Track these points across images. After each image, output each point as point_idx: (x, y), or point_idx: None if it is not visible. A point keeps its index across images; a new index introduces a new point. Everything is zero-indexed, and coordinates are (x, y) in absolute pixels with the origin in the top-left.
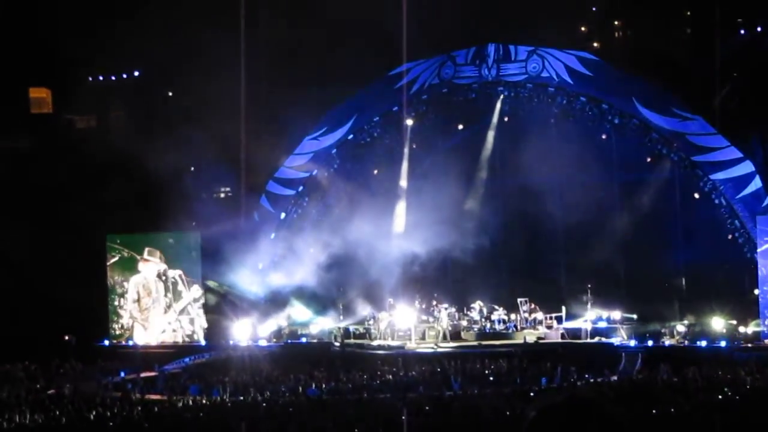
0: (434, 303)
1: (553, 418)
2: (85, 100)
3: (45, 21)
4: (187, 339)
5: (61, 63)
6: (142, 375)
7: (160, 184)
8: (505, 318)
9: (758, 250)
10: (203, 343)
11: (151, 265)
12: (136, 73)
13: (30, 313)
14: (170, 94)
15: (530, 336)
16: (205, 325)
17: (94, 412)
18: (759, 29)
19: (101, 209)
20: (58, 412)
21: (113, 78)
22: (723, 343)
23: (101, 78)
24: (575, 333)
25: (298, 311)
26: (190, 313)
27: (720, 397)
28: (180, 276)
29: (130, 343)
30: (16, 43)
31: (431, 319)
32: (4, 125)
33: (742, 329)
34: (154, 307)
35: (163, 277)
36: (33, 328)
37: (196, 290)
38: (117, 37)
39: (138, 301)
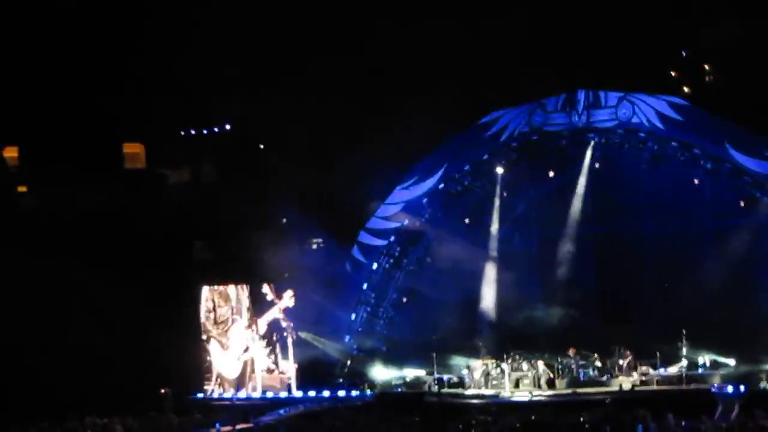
0: (529, 352)
1: None
2: (177, 154)
3: (137, 74)
4: (275, 375)
5: (154, 117)
6: (238, 427)
7: (252, 235)
8: (600, 365)
9: None
10: (295, 388)
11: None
12: (228, 126)
13: (127, 368)
14: (261, 146)
15: (626, 383)
16: (295, 368)
17: None
18: None
19: (195, 262)
20: None
21: (205, 131)
22: None
23: (193, 132)
24: (671, 379)
25: (388, 364)
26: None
27: None
28: (268, 285)
29: (225, 395)
30: (109, 98)
31: (526, 368)
32: (99, 181)
33: None
34: (233, 319)
35: (244, 287)
36: (130, 382)
37: (289, 297)
38: (208, 91)
39: (213, 311)
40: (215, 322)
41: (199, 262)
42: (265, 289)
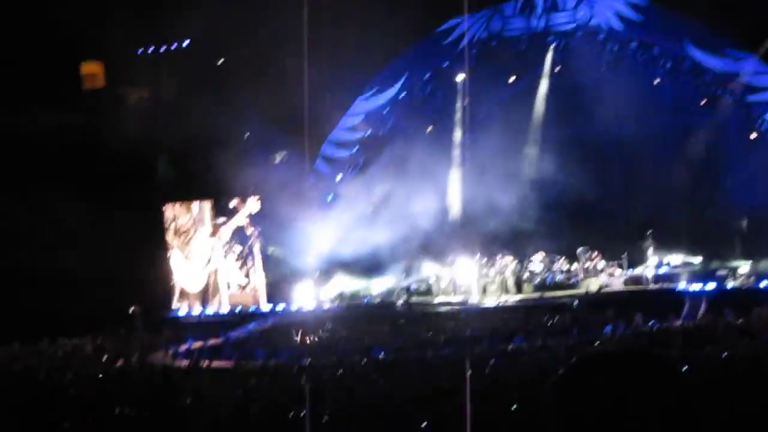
0: (494, 257)
1: (593, 375)
2: (137, 73)
3: None
4: (246, 291)
5: (112, 36)
6: (209, 343)
7: (216, 151)
8: (567, 268)
9: None
10: (265, 301)
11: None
12: (187, 43)
13: (94, 288)
14: (222, 61)
15: (593, 285)
16: (263, 286)
17: (162, 381)
18: None
19: (157, 181)
20: (127, 383)
21: (164, 48)
22: None
23: (152, 49)
24: (638, 280)
25: (355, 274)
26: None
27: None
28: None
29: (194, 313)
30: (65, 17)
31: (493, 273)
32: (58, 102)
33: None
34: (195, 228)
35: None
36: (99, 301)
37: (254, 203)
38: (166, 7)
39: (173, 220)
40: (176, 233)
41: (163, 180)
42: (230, 200)
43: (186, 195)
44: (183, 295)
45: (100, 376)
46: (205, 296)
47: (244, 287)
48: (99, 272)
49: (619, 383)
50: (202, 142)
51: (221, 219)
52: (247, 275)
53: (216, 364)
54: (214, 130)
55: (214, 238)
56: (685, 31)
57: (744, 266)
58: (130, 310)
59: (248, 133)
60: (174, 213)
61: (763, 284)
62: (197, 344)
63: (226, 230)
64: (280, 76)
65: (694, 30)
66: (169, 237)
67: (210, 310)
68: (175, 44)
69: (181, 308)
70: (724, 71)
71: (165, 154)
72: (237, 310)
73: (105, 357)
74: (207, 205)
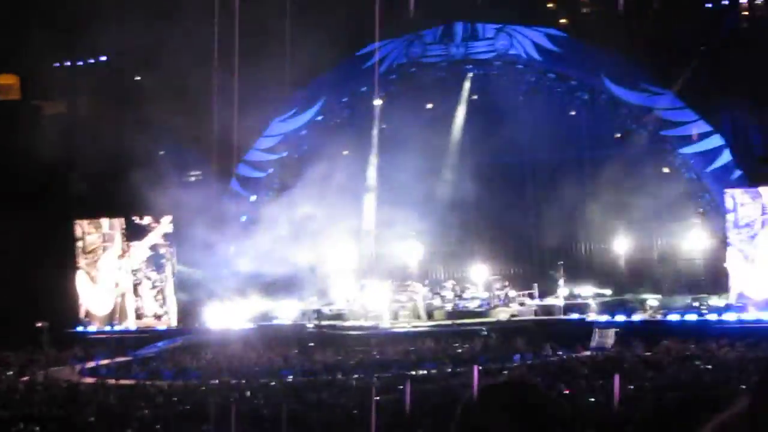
0: (408, 282)
1: (491, 399)
2: (52, 86)
3: (11, 4)
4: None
5: (29, 49)
6: (116, 360)
7: (129, 169)
8: (479, 296)
9: (727, 223)
10: (175, 324)
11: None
12: (103, 58)
13: (2, 302)
14: (138, 78)
15: (503, 314)
16: (175, 308)
17: (68, 399)
18: (726, 2)
19: (70, 195)
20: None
21: (81, 63)
22: (694, 317)
23: (69, 63)
24: (548, 310)
25: (267, 296)
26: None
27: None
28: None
29: (103, 329)
30: None
31: (405, 299)
32: None
33: (712, 302)
34: (104, 247)
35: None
36: (6, 316)
37: (166, 224)
38: (84, 22)
39: (81, 238)
40: (83, 252)
41: (75, 196)
42: (143, 217)
43: (97, 212)
44: (89, 316)
45: (5, 391)
46: (111, 320)
47: (158, 317)
48: (7, 287)
49: (505, 412)
50: (116, 158)
51: (132, 240)
52: (160, 301)
53: (123, 381)
54: (128, 147)
55: (124, 260)
56: (602, 65)
57: (653, 299)
58: (37, 326)
59: (163, 152)
60: (83, 230)
61: (671, 317)
62: (104, 361)
63: (138, 252)
64: (197, 95)
65: (611, 64)
66: (78, 255)
67: (118, 327)
68: (92, 59)
69: (88, 325)
70: (639, 105)
71: (77, 169)
72: (145, 328)
73: (10, 372)
74: (117, 224)
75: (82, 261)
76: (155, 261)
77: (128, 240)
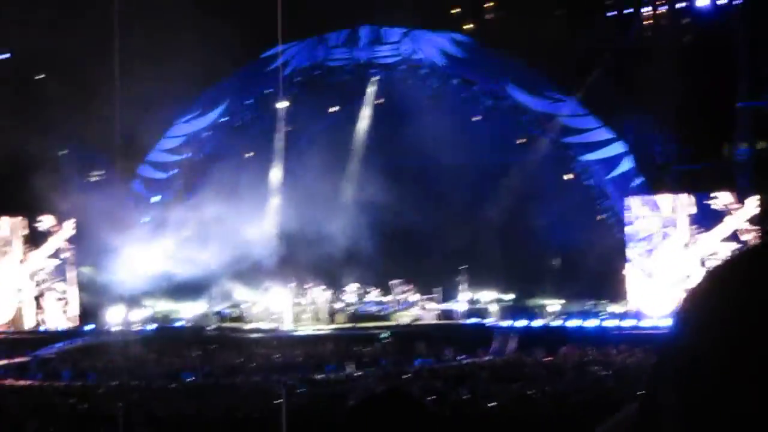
0: (309, 285)
1: (370, 409)
2: None
3: None
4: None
5: None
6: (15, 361)
7: (31, 168)
8: (380, 300)
9: (626, 230)
10: (75, 325)
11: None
12: (4, 56)
13: None
14: (40, 76)
15: (405, 318)
16: (77, 312)
17: None
18: (629, 10)
19: None
20: None
21: None
22: (594, 323)
23: None
24: (450, 314)
25: (168, 297)
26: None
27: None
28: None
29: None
30: None
31: (305, 302)
32: None
33: (611, 309)
34: (3, 251)
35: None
36: None
37: (69, 228)
38: None
39: None
40: None
41: None
42: (44, 219)
43: None
44: None
45: None
46: (9, 327)
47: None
48: None
49: (385, 423)
50: (16, 158)
51: (33, 246)
52: (65, 313)
53: (20, 382)
54: (29, 146)
55: (25, 265)
56: (506, 71)
57: (554, 304)
58: None
59: (65, 152)
60: None
61: (571, 323)
62: (2, 362)
63: (40, 255)
64: (99, 94)
65: (515, 70)
66: None
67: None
68: None
69: None
70: (542, 112)
71: None
72: (44, 329)
73: None
74: (18, 228)
75: None
76: (59, 268)
77: (29, 244)
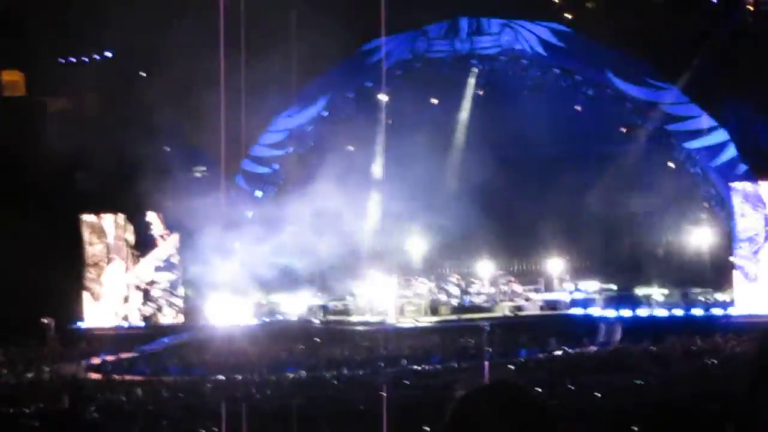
0: (413, 277)
1: (480, 399)
2: (58, 82)
3: (15, 2)
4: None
5: (34, 45)
6: (122, 356)
7: (135, 165)
8: (484, 291)
9: (734, 217)
10: (181, 320)
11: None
12: (109, 54)
13: (7, 299)
14: (143, 74)
15: (508, 309)
16: (183, 307)
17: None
18: None
19: (75, 191)
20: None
21: (86, 59)
22: (701, 312)
23: (74, 59)
24: (554, 305)
25: (274, 292)
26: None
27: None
28: (157, 217)
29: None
30: None
31: (409, 294)
32: None
33: (719, 297)
34: (110, 258)
35: (124, 221)
36: (11, 312)
37: (176, 240)
38: (89, 17)
39: (90, 244)
40: (85, 264)
41: (81, 193)
42: (151, 217)
43: (101, 208)
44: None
45: (12, 386)
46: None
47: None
48: (12, 283)
49: (495, 413)
50: (121, 155)
51: (139, 252)
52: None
53: (129, 377)
54: (133, 143)
55: (130, 274)
56: (607, 60)
57: (659, 294)
58: (42, 322)
59: (168, 148)
60: (87, 240)
61: (677, 312)
62: (110, 357)
63: (148, 265)
64: (202, 90)
65: (616, 59)
66: (85, 255)
67: (125, 323)
68: (98, 55)
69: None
70: (644, 100)
71: (82, 166)
72: (151, 324)
73: (16, 368)
74: (124, 232)
75: (86, 274)
76: (166, 263)
77: (136, 251)
